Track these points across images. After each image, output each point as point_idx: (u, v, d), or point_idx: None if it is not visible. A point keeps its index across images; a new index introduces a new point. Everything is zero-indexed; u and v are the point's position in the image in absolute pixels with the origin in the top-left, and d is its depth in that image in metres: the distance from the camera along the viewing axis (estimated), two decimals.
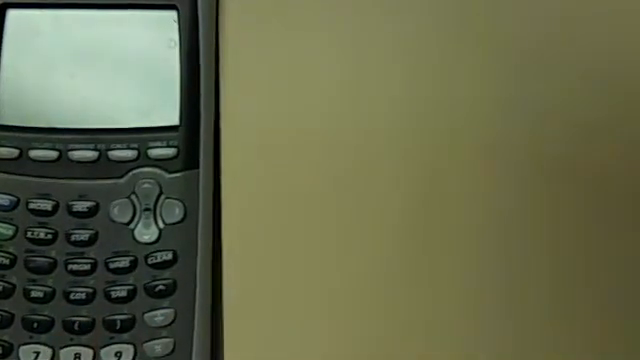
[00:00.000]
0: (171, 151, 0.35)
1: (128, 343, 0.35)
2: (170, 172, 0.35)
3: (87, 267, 0.35)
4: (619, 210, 0.37)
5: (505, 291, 0.36)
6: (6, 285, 0.34)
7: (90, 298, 0.34)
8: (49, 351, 0.34)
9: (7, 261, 0.34)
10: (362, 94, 0.37)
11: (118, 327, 0.34)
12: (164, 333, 0.35)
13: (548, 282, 0.36)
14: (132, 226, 0.35)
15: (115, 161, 0.35)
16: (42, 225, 0.35)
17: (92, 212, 0.35)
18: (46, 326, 0.34)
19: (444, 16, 0.38)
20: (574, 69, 0.37)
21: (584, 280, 0.36)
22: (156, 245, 0.35)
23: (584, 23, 0.38)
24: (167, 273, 0.35)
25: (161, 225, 0.35)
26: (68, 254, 0.35)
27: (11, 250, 0.34)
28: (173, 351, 0.35)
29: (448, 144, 0.37)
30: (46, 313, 0.34)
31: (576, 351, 0.36)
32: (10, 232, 0.34)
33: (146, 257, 0.35)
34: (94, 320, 0.34)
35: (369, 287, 0.36)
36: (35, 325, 0.34)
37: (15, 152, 0.35)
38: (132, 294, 0.35)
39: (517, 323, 0.36)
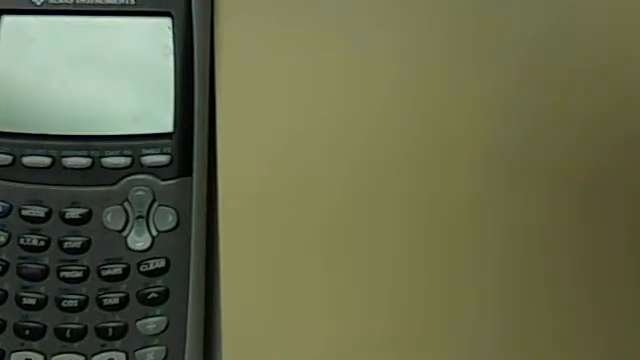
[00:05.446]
0: (165, 158, 0.35)
1: (120, 351, 0.35)
2: (163, 179, 0.35)
3: (79, 274, 0.34)
4: (619, 211, 0.37)
5: (506, 293, 0.36)
6: None
7: (82, 305, 0.34)
8: (41, 358, 0.34)
9: None
10: (360, 97, 0.37)
11: (110, 335, 0.34)
12: (156, 341, 0.35)
13: (549, 285, 0.36)
14: (125, 233, 0.35)
15: (108, 168, 0.35)
16: (35, 232, 0.34)
17: (85, 219, 0.35)
18: (38, 333, 0.34)
19: (444, 17, 0.37)
20: (574, 70, 0.37)
21: (587, 283, 0.36)
22: (149, 252, 0.35)
23: (584, 24, 0.38)
24: (160, 281, 0.35)
25: (154, 232, 0.35)
26: (61, 261, 0.34)
27: (3, 257, 0.34)
28: (165, 359, 0.35)
29: (449, 145, 0.37)
30: (38, 320, 0.34)
31: None
32: (2, 239, 0.34)
33: (139, 264, 0.35)
34: (86, 327, 0.34)
35: (369, 293, 0.36)
36: (27, 332, 0.34)
37: (8, 158, 0.35)
38: (124, 302, 0.35)
39: (517, 324, 0.36)
